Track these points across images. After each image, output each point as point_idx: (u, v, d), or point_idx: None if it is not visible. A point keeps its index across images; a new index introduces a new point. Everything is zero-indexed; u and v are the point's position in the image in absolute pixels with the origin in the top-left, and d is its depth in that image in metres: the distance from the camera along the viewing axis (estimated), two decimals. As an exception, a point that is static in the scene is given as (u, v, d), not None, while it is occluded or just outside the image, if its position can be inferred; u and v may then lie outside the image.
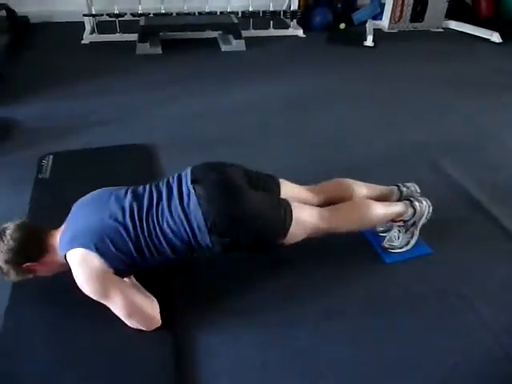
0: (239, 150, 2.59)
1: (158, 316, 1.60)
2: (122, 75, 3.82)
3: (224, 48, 4.48)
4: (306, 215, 1.74)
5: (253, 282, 1.85)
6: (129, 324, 1.58)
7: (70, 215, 1.72)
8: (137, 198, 1.67)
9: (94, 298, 1.55)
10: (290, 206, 1.71)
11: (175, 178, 1.73)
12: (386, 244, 1.98)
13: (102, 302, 1.56)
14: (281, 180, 1.89)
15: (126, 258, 1.58)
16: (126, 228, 1.58)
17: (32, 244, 1.61)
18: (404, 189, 2.02)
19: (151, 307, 1.60)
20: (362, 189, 1.97)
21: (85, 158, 2.62)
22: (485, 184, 2.33)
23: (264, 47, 4.58)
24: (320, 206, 1.87)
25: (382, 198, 1.95)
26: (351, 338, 1.64)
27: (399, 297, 1.80)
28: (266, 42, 4.70)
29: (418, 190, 2.04)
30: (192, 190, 1.62)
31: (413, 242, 1.97)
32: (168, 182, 1.72)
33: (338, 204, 1.87)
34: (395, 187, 2.03)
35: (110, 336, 1.61)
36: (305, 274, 1.89)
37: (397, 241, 1.97)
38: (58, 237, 1.65)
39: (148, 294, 1.63)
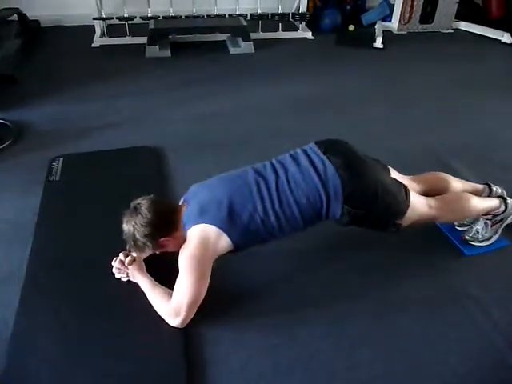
0: (250, 152, 2.59)
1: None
2: (132, 78, 3.85)
3: (233, 50, 4.49)
4: (418, 201, 1.79)
5: (263, 285, 1.85)
6: (173, 307, 1.57)
7: (189, 194, 1.78)
8: (259, 173, 1.71)
9: (183, 263, 1.57)
10: (408, 189, 1.76)
11: (298, 152, 1.78)
12: (467, 236, 2.00)
13: (182, 272, 1.57)
14: (388, 166, 1.93)
15: (251, 233, 1.63)
16: (253, 203, 1.63)
17: (167, 218, 1.67)
18: (494, 188, 2.09)
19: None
20: (457, 183, 2.04)
21: (94, 160, 2.63)
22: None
23: (273, 49, 4.59)
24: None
25: (473, 194, 1.99)
26: (364, 340, 1.63)
27: (411, 301, 1.78)
28: (275, 45, 4.70)
29: (505, 193, 2.10)
30: (327, 160, 1.68)
31: (495, 238, 2.01)
32: (291, 155, 1.77)
33: (444, 195, 1.93)
34: (486, 185, 2.10)
35: (121, 336, 1.61)
36: (314, 275, 1.88)
37: (481, 233, 1.99)
38: (183, 212, 1.69)
39: None
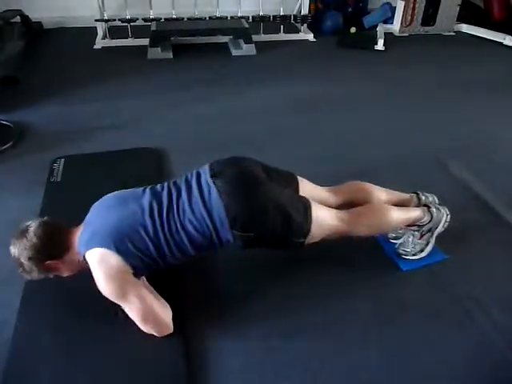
0: (250, 153, 2.56)
1: (171, 323, 1.59)
2: (134, 79, 3.86)
3: (234, 52, 4.50)
4: (325, 216, 1.71)
5: (263, 287, 1.85)
6: (142, 328, 1.58)
7: (88, 215, 1.73)
8: (155, 195, 1.66)
9: (112, 298, 1.55)
10: (311, 205, 1.68)
11: (193, 174, 1.72)
12: (399, 250, 1.95)
13: (119, 303, 1.56)
14: (299, 178, 1.86)
15: (145, 257, 1.58)
16: (144, 227, 1.57)
17: (54, 241, 1.61)
18: (423, 197, 2.01)
19: (165, 313, 1.59)
20: (380, 193, 1.95)
21: (96, 161, 2.64)
22: (496, 187, 2.31)
23: (274, 51, 4.59)
24: (337, 207, 1.86)
25: (399, 204, 1.93)
26: (364, 341, 1.63)
27: (411, 302, 1.79)
28: (277, 47, 4.71)
29: (437, 201, 2.02)
30: (212, 185, 1.61)
31: (428, 249, 1.94)
32: (186, 178, 1.72)
33: (358, 207, 1.85)
34: (414, 195, 2.02)
35: (121, 339, 1.61)
36: (317, 280, 1.88)
37: (410, 246, 1.93)
38: (77, 235, 1.65)
39: (162, 299, 1.62)
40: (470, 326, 1.67)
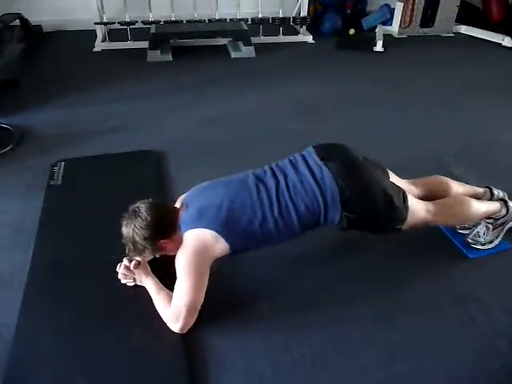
0: (251, 156, 2.59)
1: None
2: (133, 82, 3.86)
3: (234, 55, 4.51)
4: (417, 206, 1.78)
5: (264, 286, 1.85)
6: (172, 310, 1.58)
7: (188, 195, 1.79)
8: (259, 178, 1.72)
9: (181, 266, 1.57)
10: (407, 194, 1.76)
11: (297, 157, 1.78)
12: (469, 239, 2.00)
13: (182, 274, 1.57)
14: (387, 170, 1.92)
15: (248, 237, 1.64)
16: (252, 207, 1.63)
17: (166, 220, 1.67)
18: (495, 192, 2.08)
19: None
20: (457, 187, 2.03)
21: (96, 164, 2.64)
22: (496, 187, 2.30)
23: (274, 54, 4.60)
24: (418, 199, 1.91)
25: (474, 198, 1.98)
26: (365, 342, 1.63)
27: (411, 302, 1.79)
28: (276, 49, 4.72)
29: (507, 196, 2.09)
30: (324, 167, 1.68)
31: (496, 241, 2.00)
32: (290, 161, 1.77)
33: (443, 199, 1.92)
34: (487, 189, 2.08)
35: (121, 340, 1.62)
36: (318, 279, 1.88)
37: (482, 237, 1.98)
38: (180, 215, 1.69)
39: None
40: (470, 326, 1.68)
